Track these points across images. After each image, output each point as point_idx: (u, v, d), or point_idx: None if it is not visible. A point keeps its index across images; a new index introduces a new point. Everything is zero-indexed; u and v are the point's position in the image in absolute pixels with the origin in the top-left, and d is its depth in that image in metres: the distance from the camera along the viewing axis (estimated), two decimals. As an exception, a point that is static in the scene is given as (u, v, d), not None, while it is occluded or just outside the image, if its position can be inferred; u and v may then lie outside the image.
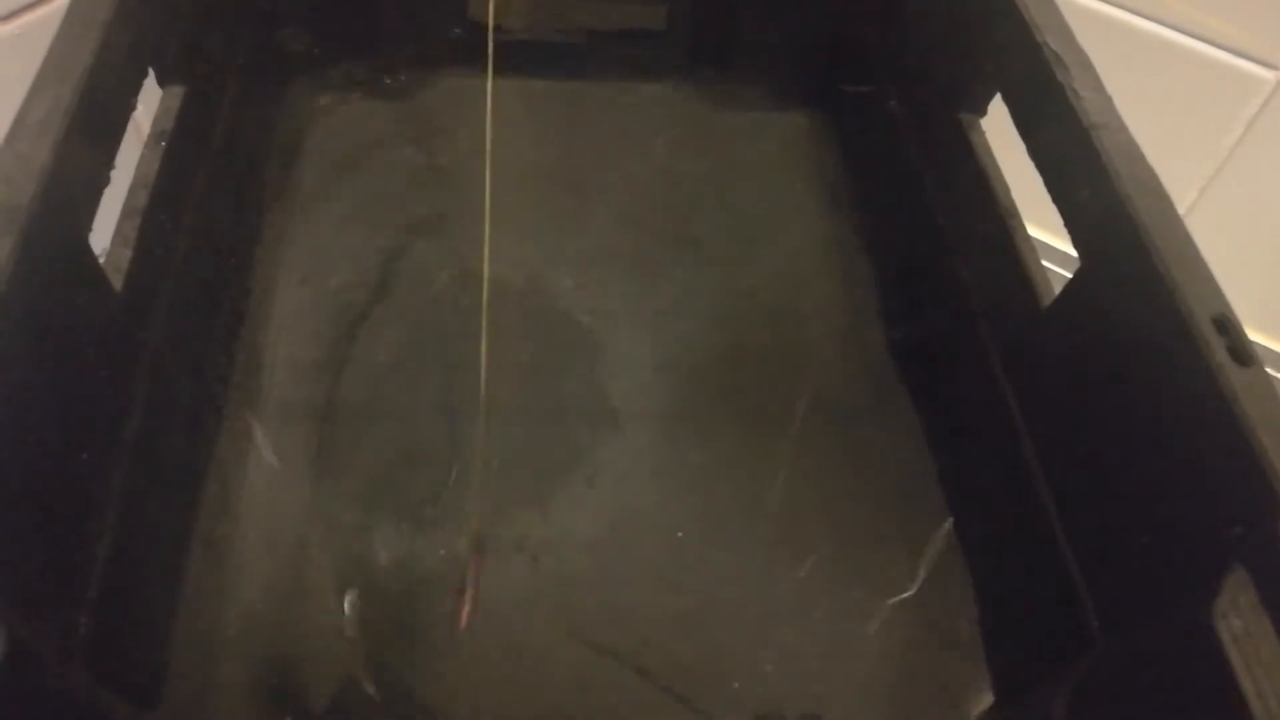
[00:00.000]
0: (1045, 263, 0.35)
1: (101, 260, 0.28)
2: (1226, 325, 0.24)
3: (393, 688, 0.33)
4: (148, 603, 0.31)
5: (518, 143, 0.51)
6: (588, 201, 0.49)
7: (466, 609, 0.34)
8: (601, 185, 0.50)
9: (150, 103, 0.35)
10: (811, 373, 0.43)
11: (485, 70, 0.52)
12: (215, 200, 0.38)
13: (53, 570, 0.24)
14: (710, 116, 0.55)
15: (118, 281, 0.28)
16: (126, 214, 0.30)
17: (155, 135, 0.33)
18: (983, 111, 0.40)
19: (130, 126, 0.31)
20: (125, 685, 0.28)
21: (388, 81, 0.52)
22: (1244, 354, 0.24)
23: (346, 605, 0.34)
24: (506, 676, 0.34)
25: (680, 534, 0.38)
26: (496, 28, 0.50)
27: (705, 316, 0.45)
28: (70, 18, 0.29)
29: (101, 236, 0.29)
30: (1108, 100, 0.32)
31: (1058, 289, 0.33)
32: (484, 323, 0.39)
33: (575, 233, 0.48)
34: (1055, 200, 0.32)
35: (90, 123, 0.27)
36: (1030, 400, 0.34)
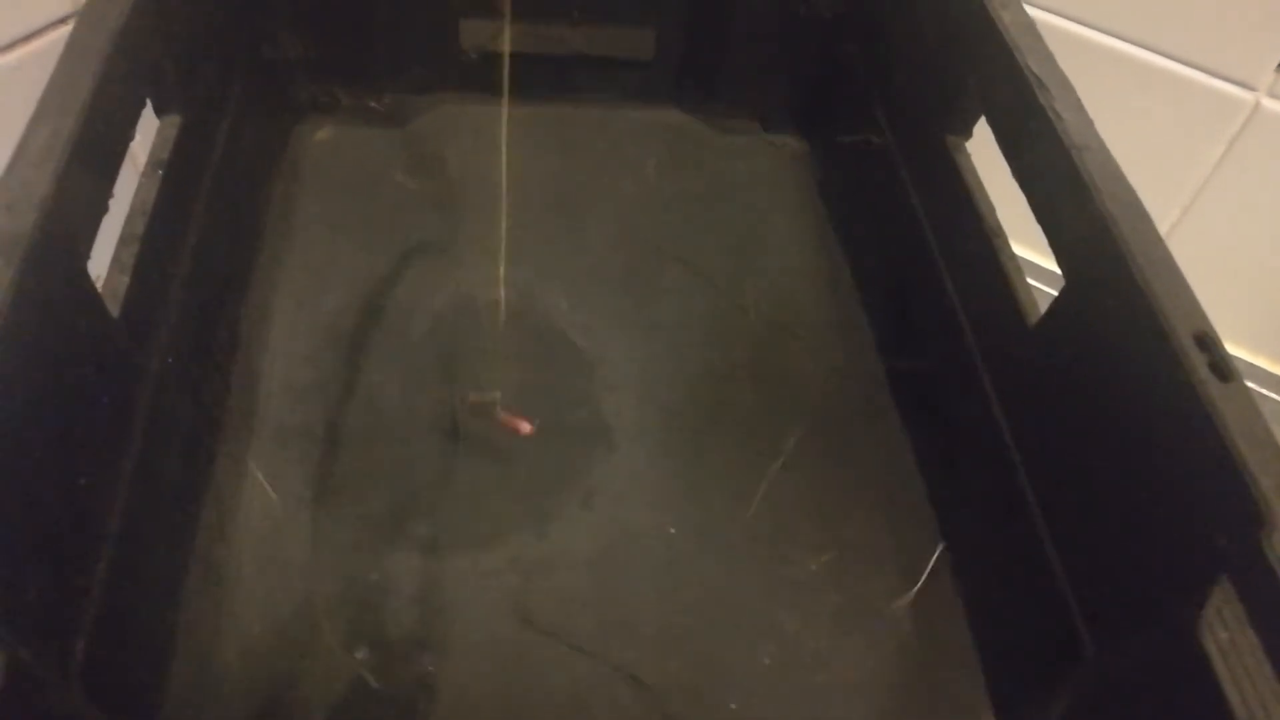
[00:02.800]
0: (1032, 281, 0.36)
1: (99, 286, 0.29)
2: (1207, 341, 0.25)
3: (390, 707, 0.33)
4: (146, 626, 0.31)
5: (511, 165, 0.51)
6: (580, 223, 0.50)
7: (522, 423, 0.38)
8: (593, 207, 0.50)
9: (147, 132, 0.35)
10: (802, 389, 0.44)
11: (480, 95, 0.53)
12: (211, 227, 0.38)
13: (52, 594, 0.25)
14: (700, 139, 0.55)
15: (115, 307, 0.29)
16: (124, 241, 0.31)
17: (152, 164, 0.33)
18: (968, 134, 0.41)
19: (125, 156, 0.31)
20: (123, 709, 0.28)
21: (376, 107, 0.53)
22: (1225, 369, 0.24)
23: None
24: (503, 694, 0.34)
25: (672, 530, 0.38)
26: (500, 54, 0.51)
27: (697, 335, 0.45)
28: (70, 49, 0.29)
29: (98, 263, 0.30)
30: (1089, 122, 0.32)
31: (1044, 307, 0.33)
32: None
33: (568, 253, 0.48)
34: (1039, 220, 0.33)
35: (90, 152, 0.27)
36: (1018, 416, 0.34)
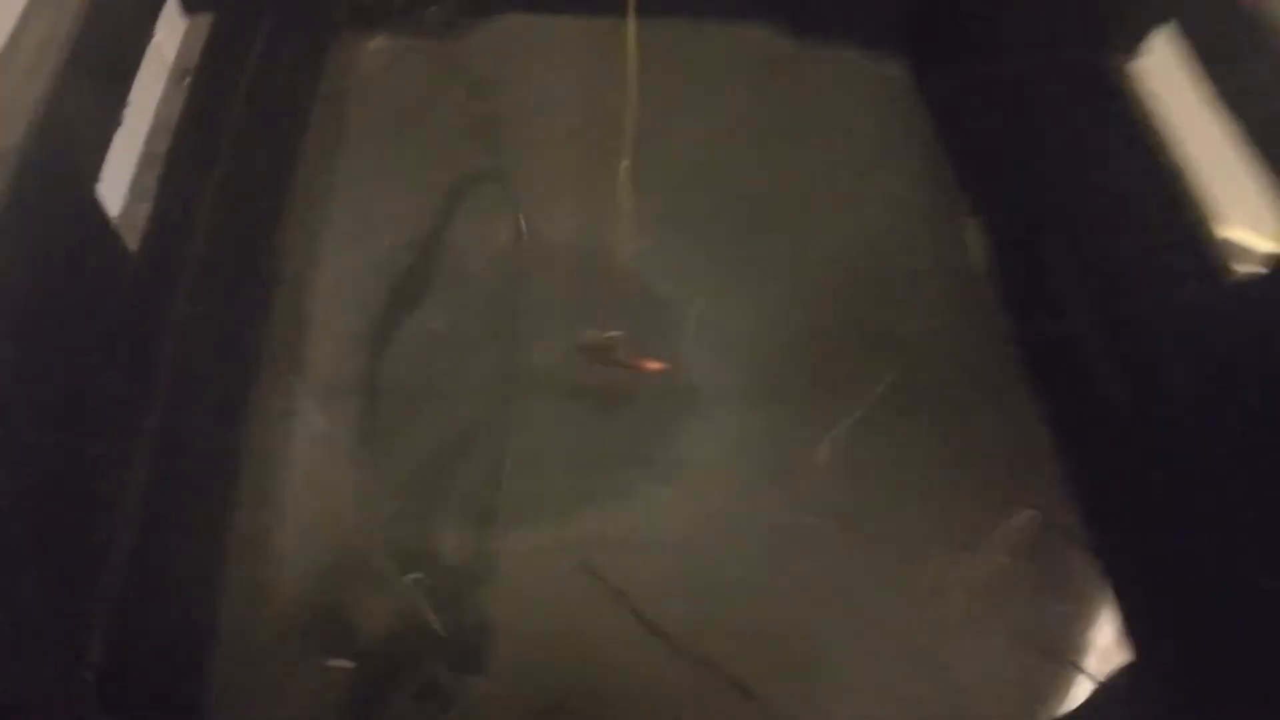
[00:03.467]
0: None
1: (115, 217, 0.24)
2: None
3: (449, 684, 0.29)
4: (178, 613, 0.27)
5: (580, 87, 0.46)
6: (660, 153, 0.43)
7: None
8: (674, 134, 0.44)
9: (176, 32, 0.30)
10: (919, 354, 0.38)
11: (548, 6, 0.47)
12: (250, 148, 0.33)
13: (58, 592, 0.20)
14: (795, 59, 0.49)
15: (133, 241, 0.24)
16: (145, 162, 0.26)
17: (178, 71, 0.28)
18: (1135, 52, 0.34)
19: (154, 58, 0.26)
20: (153, 709, 0.24)
21: (433, 15, 0.47)
22: None
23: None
24: (571, 687, 0.30)
25: (769, 511, 0.34)
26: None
27: (796, 284, 0.40)
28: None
29: (116, 189, 0.25)
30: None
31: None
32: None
33: (647, 188, 0.42)
34: (1262, 154, 0.26)
35: (95, 52, 0.22)
36: (1208, 395, 0.28)
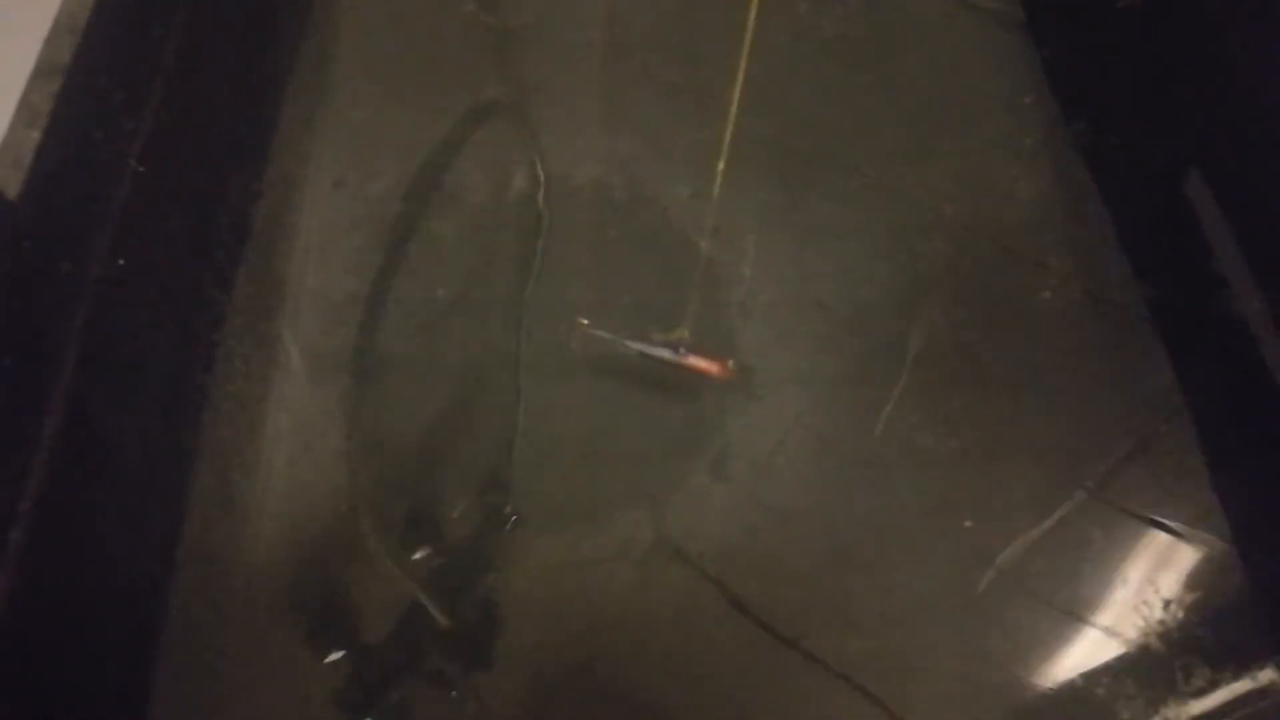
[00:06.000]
0: None
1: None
2: None
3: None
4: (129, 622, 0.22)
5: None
6: (707, 77, 0.37)
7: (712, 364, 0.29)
8: (726, 55, 0.37)
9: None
10: (1020, 318, 0.32)
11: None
12: (204, 65, 0.27)
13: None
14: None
15: (13, 185, 0.18)
16: (39, 73, 0.19)
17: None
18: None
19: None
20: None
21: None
22: None
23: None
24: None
25: (839, 511, 0.29)
26: None
27: (869, 238, 0.34)
28: None
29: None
30: None
31: None
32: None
33: (692, 120, 0.37)
34: None
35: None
36: None
